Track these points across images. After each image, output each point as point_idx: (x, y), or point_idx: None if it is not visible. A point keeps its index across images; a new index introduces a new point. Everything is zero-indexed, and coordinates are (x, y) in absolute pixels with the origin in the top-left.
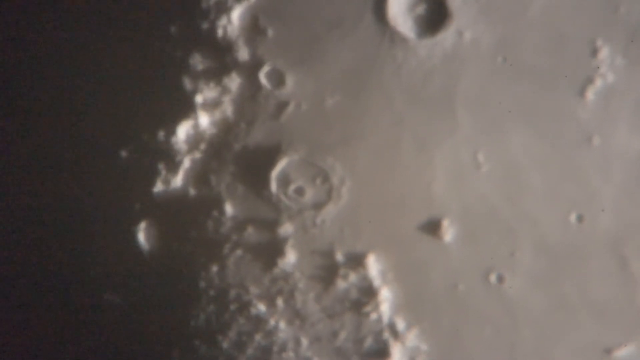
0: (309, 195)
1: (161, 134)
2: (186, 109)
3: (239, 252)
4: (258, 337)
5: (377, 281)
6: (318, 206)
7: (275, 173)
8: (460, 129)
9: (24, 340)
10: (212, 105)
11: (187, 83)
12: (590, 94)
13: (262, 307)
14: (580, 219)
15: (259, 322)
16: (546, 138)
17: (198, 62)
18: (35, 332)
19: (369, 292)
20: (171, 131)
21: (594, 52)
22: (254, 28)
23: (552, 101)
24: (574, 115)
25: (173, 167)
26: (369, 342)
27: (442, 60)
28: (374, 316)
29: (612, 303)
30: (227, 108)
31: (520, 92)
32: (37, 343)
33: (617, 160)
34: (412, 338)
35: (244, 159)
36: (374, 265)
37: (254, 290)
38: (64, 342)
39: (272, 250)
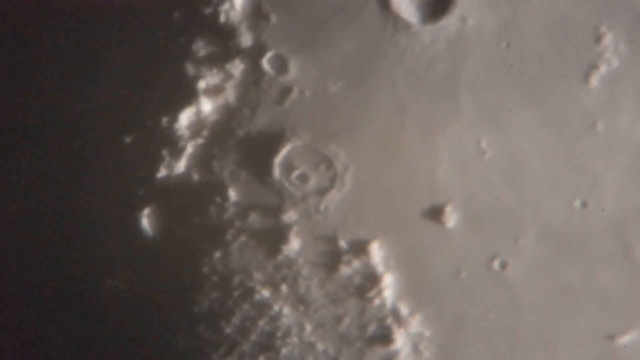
0: (313, 181)
1: (164, 120)
2: (189, 95)
3: (242, 238)
4: (262, 322)
5: (380, 267)
6: (321, 193)
7: (278, 159)
8: (464, 115)
9: (26, 325)
10: (214, 92)
11: (190, 69)
12: (594, 80)
13: (265, 293)
14: (584, 204)
15: (262, 307)
16: (550, 124)
17: (201, 48)
18: (38, 317)
19: (372, 278)
20: (174, 117)
21: (598, 38)
22: (257, 14)
23: (556, 87)
24: (578, 101)
25: (176, 153)
26: (372, 327)
27: (445, 46)
28: (377, 302)
29: (616, 289)
30: (230, 94)
31: (524, 78)
32: (40, 328)
33: (621, 146)
34: (415, 324)
35: (247, 145)
36: (377, 252)
37: (257, 276)
38: (66, 327)
39: (275, 237)
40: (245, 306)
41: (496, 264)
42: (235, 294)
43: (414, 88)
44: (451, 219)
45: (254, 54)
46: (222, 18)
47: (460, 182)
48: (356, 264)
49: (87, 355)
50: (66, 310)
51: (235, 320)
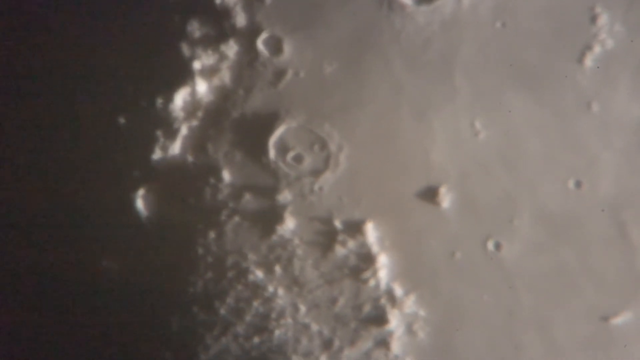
0: (307, 162)
1: (159, 101)
2: (184, 75)
3: (237, 219)
4: (256, 303)
5: (375, 248)
6: (316, 173)
7: (273, 140)
8: (459, 96)
9: (23, 306)
10: (209, 72)
11: (185, 50)
12: (589, 61)
13: (260, 274)
14: (578, 185)
15: (257, 288)
16: (545, 104)
17: (195, 28)
18: (34, 297)
19: (367, 259)
20: (169, 98)
21: (593, 18)
22: None
23: (551, 67)
24: (573, 82)
25: (171, 134)
26: (367, 308)
27: (440, 26)
28: (372, 283)
29: (611, 270)
30: (225, 75)
31: (519, 58)
32: (36, 309)
33: (616, 126)
34: (410, 304)
35: (242, 126)
36: (372, 232)
37: (252, 256)
38: (62, 307)
39: (270, 217)
40: (240, 287)
41: (491, 245)
42: (230, 274)
43: (409, 69)
44: (446, 199)
45: (249, 35)
46: None
47: (454, 162)
48: (351, 244)
49: (83, 334)
50: (62, 291)
51: (230, 300)
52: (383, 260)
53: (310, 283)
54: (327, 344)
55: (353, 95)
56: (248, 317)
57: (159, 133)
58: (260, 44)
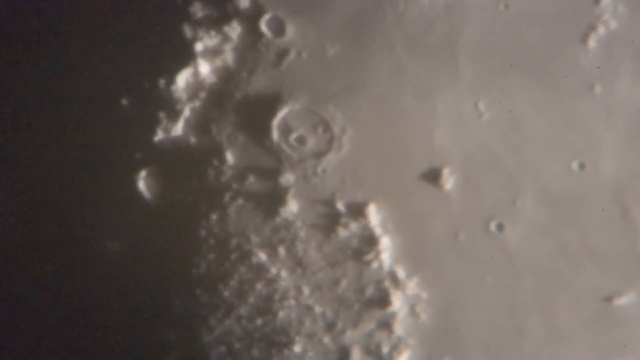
0: (310, 144)
1: (162, 82)
2: (186, 57)
3: (240, 200)
4: (259, 285)
5: (378, 230)
6: (319, 155)
7: (276, 122)
8: (462, 78)
9: (25, 285)
10: (212, 54)
11: (187, 31)
12: (592, 42)
13: (263, 256)
14: (581, 166)
15: (260, 270)
16: (548, 86)
17: (198, 9)
18: (36, 279)
19: (369, 241)
20: (171, 79)
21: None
22: None
23: (554, 49)
24: (576, 63)
25: (173, 115)
26: (370, 290)
27: (444, 8)
28: (374, 265)
29: (613, 251)
30: (228, 56)
31: (522, 40)
32: (38, 290)
33: (619, 108)
34: (412, 286)
35: (244, 107)
36: (374, 214)
37: (255, 239)
38: (64, 288)
39: (273, 199)
40: (243, 269)
41: (494, 227)
42: (233, 256)
43: (412, 51)
44: (449, 181)
45: (252, 16)
46: None
47: (458, 144)
48: (354, 226)
49: (85, 315)
50: (64, 272)
51: (233, 283)
52: (386, 243)
53: (313, 265)
54: (330, 326)
55: (356, 77)
56: (251, 299)
57: (161, 114)
58: (263, 26)
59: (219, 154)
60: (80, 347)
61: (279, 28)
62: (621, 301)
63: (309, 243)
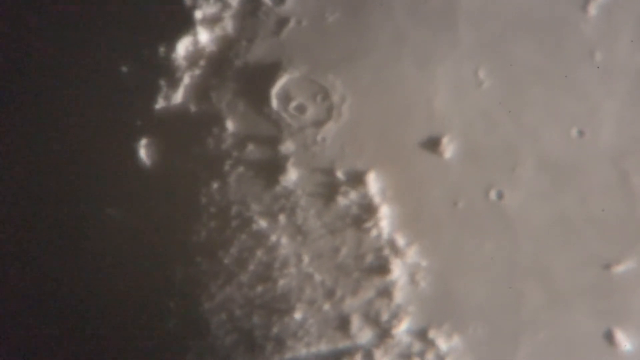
0: (310, 112)
1: (161, 50)
2: (186, 25)
3: (240, 168)
4: (259, 253)
5: (377, 198)
6: (319, 124)
7: (275, 90)
8: (462, 45)
9: (25, 253)
10: (212, 22)
11: None
12: (592, 9)
13: (263, 224)
14: (581, 133)
15: (260, 238)
16: (548, 53)
17: None
18: (36, 244)
19: (369, 209)
20: (171, 47)
21: None
22: None
23: (554, 15)
24: (577, 30)
25: (173, 83)
26: (369, 258)
27: None
28: (374, 233)
29: (612, 218)
30: (228, 24)
31: (522, 6)
32: (38, 255)
33: (618, 74)
34: (412, 254)
35: (244, 75)
36: (374, 182)
37: (255, 206)
38: (64, 254)
39: (273, 167)
40: (243, 236)
41: (493, 194)
42: (233, 224)
43: (412, 17)
44: (448, 149)
45: None
46: None
47: (457, 112)
48: (353, 194)
49: (85, 282)
50: (64, 238)
51: (233, 250)
52: (385, 211)
53: (313, 233)
54: (330, 293)
55: (356, 45)
56: (252, 267)
57: (161, 82)
58: None
59: (219, 122)
60: (78, 313)
61: None
62: (620, 268)
63: (308, 211)
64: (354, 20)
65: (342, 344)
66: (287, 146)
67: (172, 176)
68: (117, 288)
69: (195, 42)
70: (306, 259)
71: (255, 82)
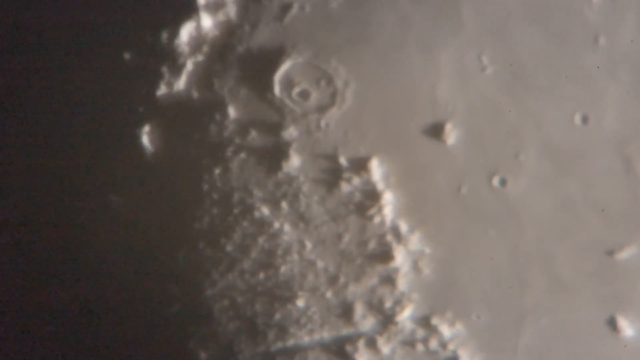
0: (313, 98)
1: (164, 36)
2: (188, 10)
3: (242, 155)
4: (262, 240)
5: (380, 184)
6: (322, 109)
7: (278, 76)
8: (465, 30)
9: (27, 238)
10: (215, 7)
11: None
12: None
13: (266, 210)
14: (585, 119)
15: (262, 225)
16: (552, 38)
17: None
18: (39, 229)
19: (372, 195)
20: (174, 33)
21: None
22: None
23: (558, 1)
24: (581, 15)
25: (176, 69)
26: (372, 245)
27: None
28: (377, 219)
29: (616, 204)
30: (231, 10)
31: None
32: (40, 241)
33: (622, 60)
34: (415, 241)
35: (247, 61)
36: (377, 169)
37: (258, 193)
38: (67, 242)
39: (276, 154)
40: (246, 223)
41: (496, 180)
42: (236, 211)
43: (415, 3)
44: (452, 135)
45: None
46: None
47: (460, 98)
48: (356, 181)
49: (87, 267)
50: (66, 224)
51: (236, 237)
52: (388, 197)
53: (315, 220)
54: (332, 280)
55: (359, 30)
56: (254, 253)
57: (164, 68)
58: None
59: (222, 108)
60: (81, 300)
61: None
62: (623, 254)
63: (311, 197)
64: (357, 5)
65: (345, 331)
66: (290, 132)
67: (174, 163)
68: (119, 275)
69: (198, 28)
70: (309, 245)
71: (258, 67)
